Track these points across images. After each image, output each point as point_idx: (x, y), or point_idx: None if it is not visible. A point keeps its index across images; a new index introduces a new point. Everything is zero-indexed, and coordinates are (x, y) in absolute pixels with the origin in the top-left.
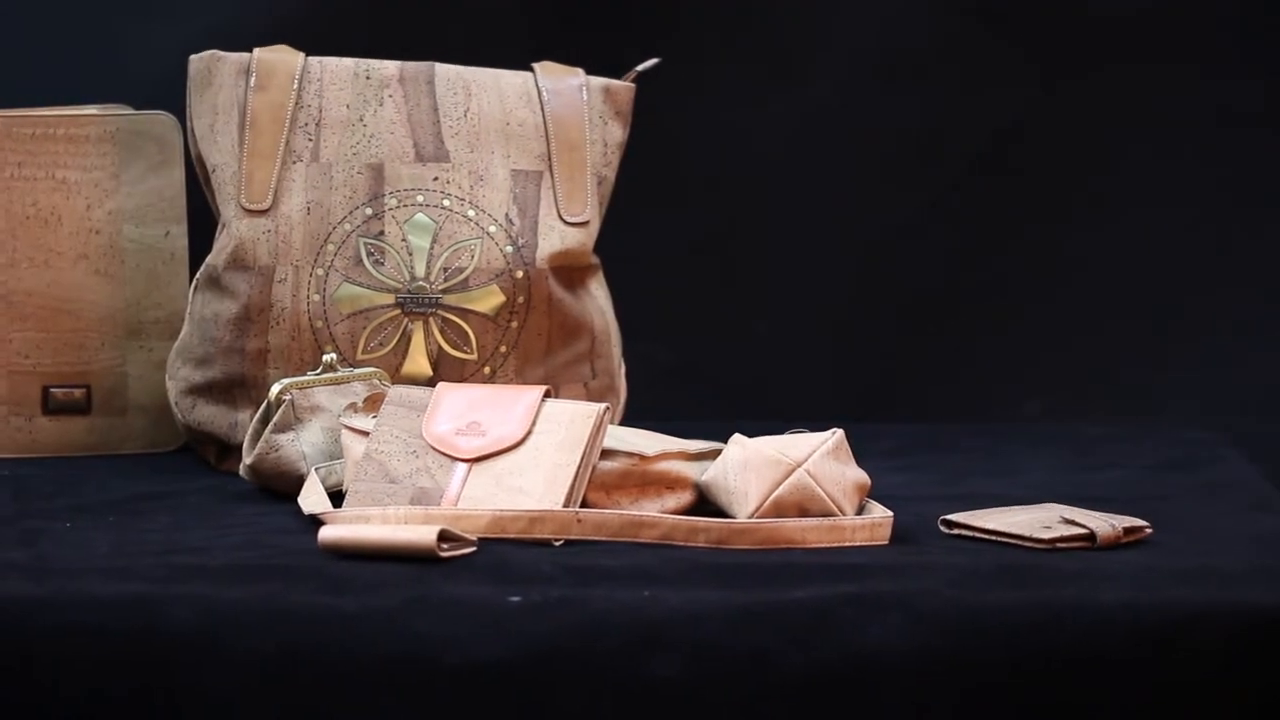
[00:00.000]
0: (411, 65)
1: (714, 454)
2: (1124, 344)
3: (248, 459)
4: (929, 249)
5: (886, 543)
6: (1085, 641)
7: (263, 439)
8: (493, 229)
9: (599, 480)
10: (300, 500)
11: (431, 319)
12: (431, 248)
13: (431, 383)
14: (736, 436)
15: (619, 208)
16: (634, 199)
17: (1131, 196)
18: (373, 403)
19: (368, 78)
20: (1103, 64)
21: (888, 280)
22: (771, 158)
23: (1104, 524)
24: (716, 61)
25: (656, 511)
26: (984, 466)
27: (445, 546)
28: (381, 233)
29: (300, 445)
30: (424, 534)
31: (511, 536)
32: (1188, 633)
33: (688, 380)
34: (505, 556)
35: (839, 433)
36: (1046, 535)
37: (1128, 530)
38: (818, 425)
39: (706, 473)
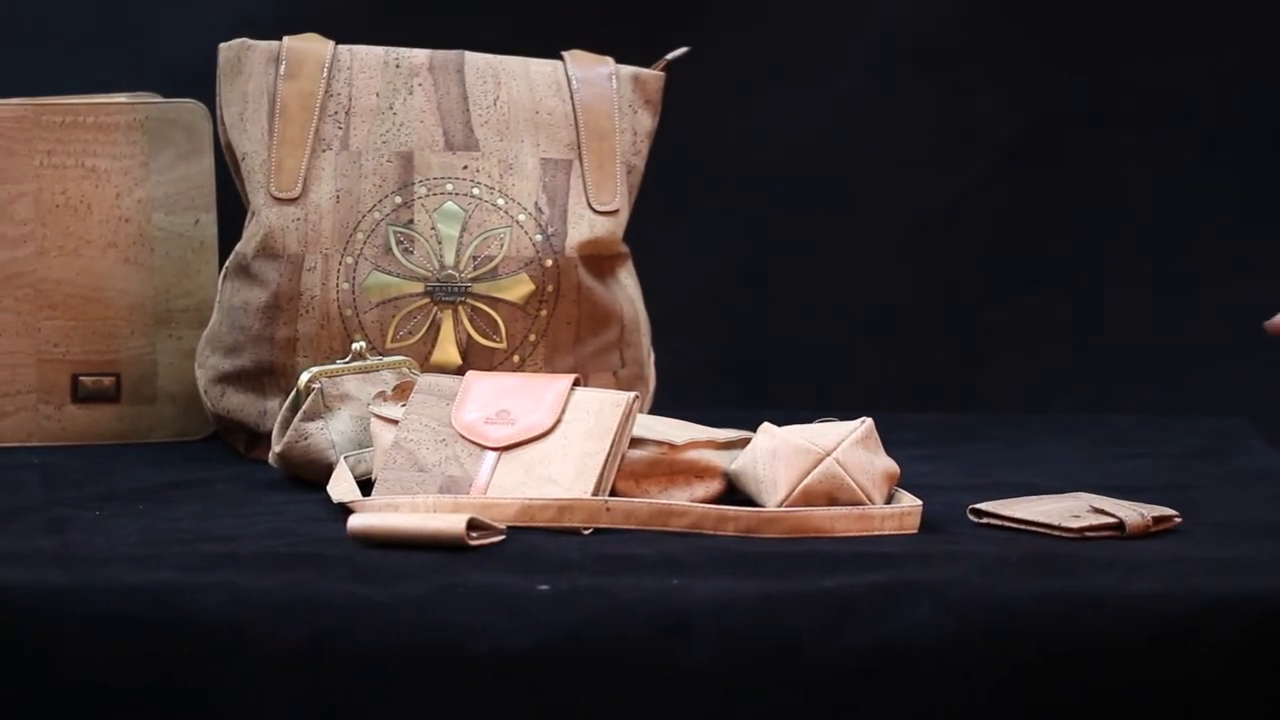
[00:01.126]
0: (441, 54)
1: (742, 443)
2: (1153, 334)
3: (277, 447)
4: (960, 240)
5: (915, 532)
6: (1114, 631)
7: (292, 427)
8: (522, 218)
9: (628, 469)
10: (329, 488)
11: (460, 307)
12: (461, 236)
13: (460, 371)
14: (765, 425)
15: (649, 197)
16: (665, 188)
17: (1167, 188)
18: (402, 391)
19: (397, 66)
20: (1135, 56)
21: (918, 271)
22: (803, 148)
23: (1133, 513)
24: (746, 48)
25: (685, 500)
26: (1012, 456)
27: (474, 535)
28: (411, 221)
29: (329, 433)
30: (453, 522)
31: (540, 525)
32: (1216, 622)
33: (716, 370)
34: (534, 545)
35: (868, 421)
36: (1075, 524)
37: (1157, 519)
38: (846, 415)
39: (735, 462)
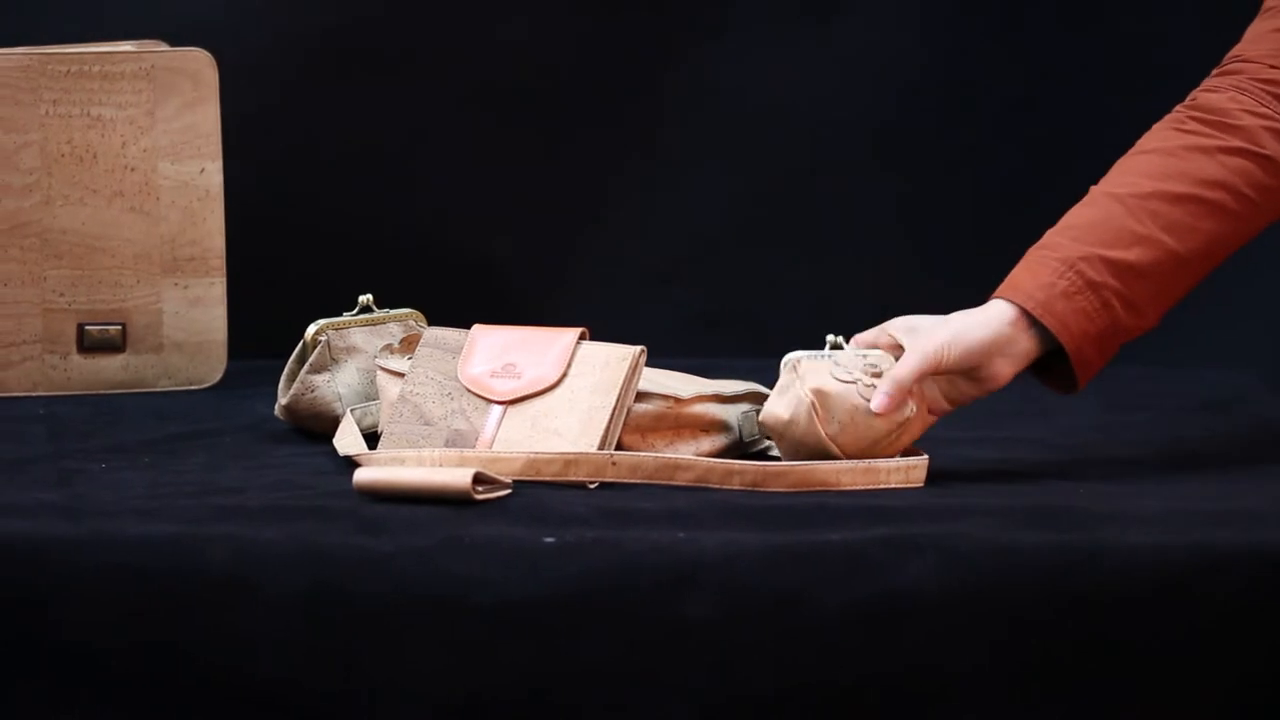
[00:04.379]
0: None
1: (749, 396)
2: None
3: (283, 399)
4: (967, 191)
5: (921, 485)
6: (1116, 583)
7: (298, 379)
8: None
9: (634, 423)
10: (335, 441)
11: None
12: None
13: None
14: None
15: (650, 147)
16: (665, 137)
17: None
18: (408, 344)
19: None
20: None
21: (923, 223)
22: (805, 99)
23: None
24: (756, 6)
25: (691, 454)
26: (1016, 409)
27: (480, 488)
28: None
29: (336, 386)
30: (459, 476)
31: (546, 479)
32: (1218, 573)
33: (722, 324)
34: (540, 498)
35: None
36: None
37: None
38: None
39: (764, 412)
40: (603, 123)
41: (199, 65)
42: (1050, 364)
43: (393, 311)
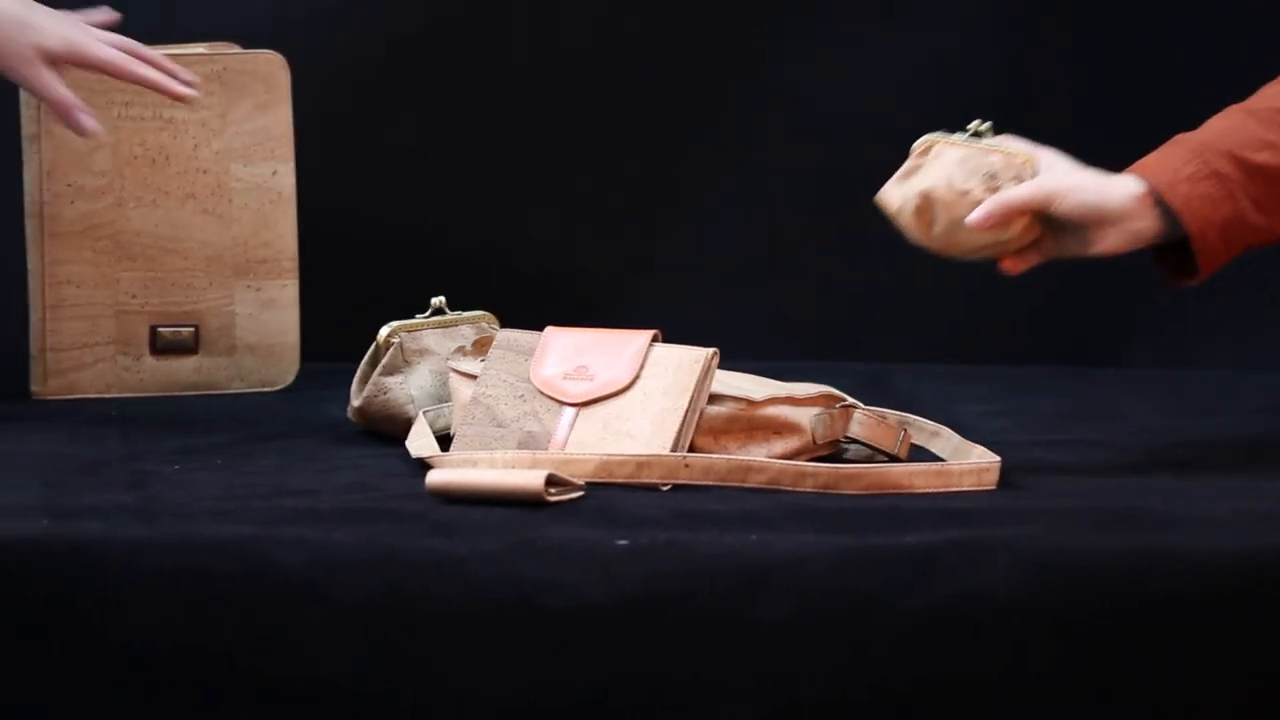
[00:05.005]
0: None
1: (822, 399)
2: (1230, 289)
3: (356, 401)
4: None
5: (994, 488)
6: (1191, 586)
7: (371, 381)
8: None
9: (706, 425)
10: (408, 444)
11: None
12: None
13: None
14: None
15: (715, 148)
16: (730, 139)
17: None
18: (481, 346)
19: None
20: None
21: None
22: (871, 100)
23: None
24: (825, 8)
25: (764, 456)
26: (1087, 411)
27: (553, 491)
28: None
29: (408, 388)
30: (531, 478)
31: (619, 481)
32: None
33: (794, 327)
34: (612, 501)
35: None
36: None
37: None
38: (917, 367)
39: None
40: (673, 127)
41: (271, 67)
42: (1174, 256)
43: (465, 314)
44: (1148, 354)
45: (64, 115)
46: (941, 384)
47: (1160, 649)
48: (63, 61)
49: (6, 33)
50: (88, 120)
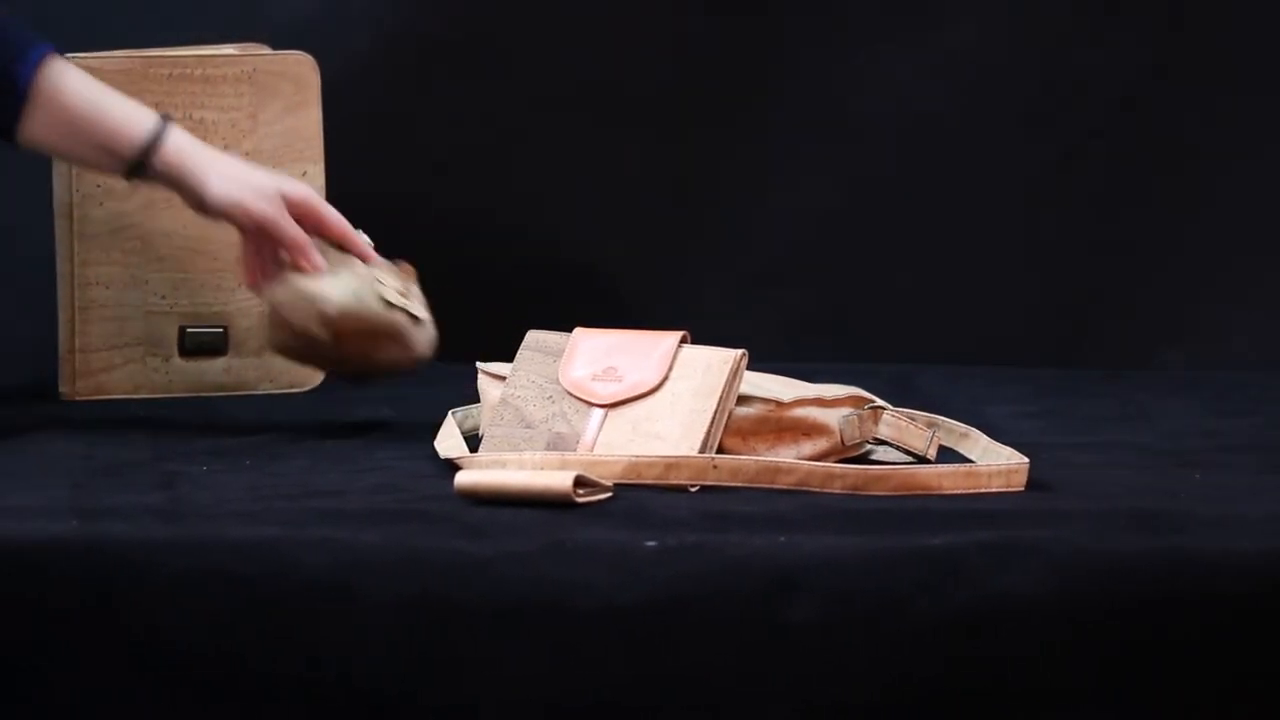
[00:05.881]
0: None
1: (850, 400)
2: (1262, 290)
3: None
4: (1065, 197)
5: (1022, 489)
6: (1219, 587)
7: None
8: None
9: (735, 426)
10: (436, 444)
11: None
12: None
13: None
14: None
15: (750, 148)
16: (766, 140)
17: (1270, 141)
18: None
19: None
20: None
21: (1023, 228)
22: (919, 109)
23: None
24: (864, 10)
25: (792, 458)
26: (1118, 413)
27: (581, 492)
28: None
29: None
30: (560, 479)
31: (647, 482)
32: None
33: (823, 328)
34: (641, 502)
35: None
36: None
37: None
38: (946, 369)
39: None
40: (704, 126)
41: (301, 68)
42: None
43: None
44: (1178, 356)
45: (302, 254)
46: (972, 386)
47: (1190, 651)
48: (297, 209)
49: (250, 170)
50: (319, 258)
